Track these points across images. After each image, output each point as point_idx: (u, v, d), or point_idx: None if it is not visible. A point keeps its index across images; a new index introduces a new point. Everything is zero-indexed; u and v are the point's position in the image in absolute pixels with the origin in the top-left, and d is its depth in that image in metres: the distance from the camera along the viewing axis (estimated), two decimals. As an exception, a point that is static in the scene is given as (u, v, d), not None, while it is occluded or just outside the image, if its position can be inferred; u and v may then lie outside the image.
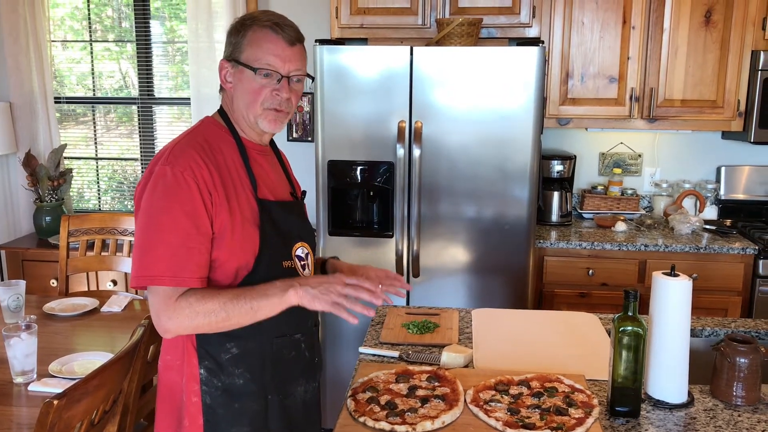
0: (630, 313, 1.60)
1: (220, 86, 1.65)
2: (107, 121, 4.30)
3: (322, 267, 1.89)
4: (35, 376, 2.17)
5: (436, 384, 1.74)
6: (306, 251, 1.71)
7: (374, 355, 1.98)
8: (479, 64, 2.96)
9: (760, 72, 3.32)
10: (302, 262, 1.69)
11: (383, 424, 1.53)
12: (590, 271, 3.27)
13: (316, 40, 3.06)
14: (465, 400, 1.65)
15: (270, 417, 1.63)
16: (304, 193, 1.81)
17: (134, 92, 4.19)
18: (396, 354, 1.97)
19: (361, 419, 1.57)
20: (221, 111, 1.65)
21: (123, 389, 1.91)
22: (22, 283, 2.63)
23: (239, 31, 1.58)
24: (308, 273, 1.71)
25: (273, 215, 1.60)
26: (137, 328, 1.90)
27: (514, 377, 1.77)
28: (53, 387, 2.07)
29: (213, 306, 1.45)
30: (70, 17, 4.19)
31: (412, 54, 2.99)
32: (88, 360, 2.28)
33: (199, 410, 1.58)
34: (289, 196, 1.73)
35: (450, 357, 1.89)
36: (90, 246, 3.25)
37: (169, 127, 4.22)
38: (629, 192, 3.75)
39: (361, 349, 2.00)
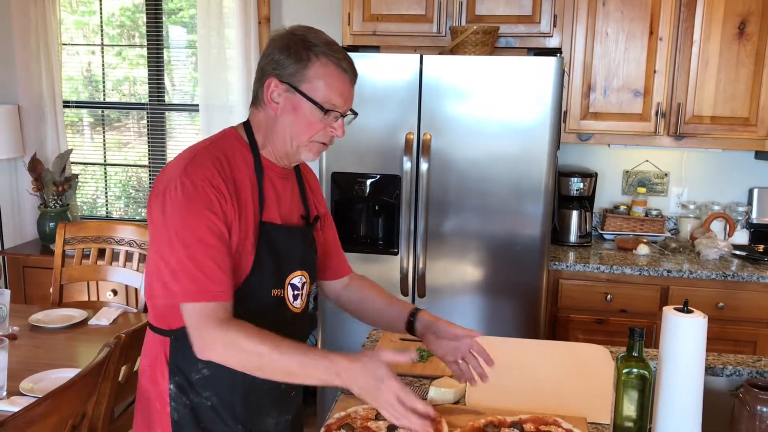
0: (635, 353, 1.43)
1: (254, 100, 1.55)
2: (140, 127, 4.21)
3: (410, 322, 1.73)
4: (4, 393, 2.05)
5: (420, 423, 1.57)
6: (303, 280, 1.63)
7: (358, 385, 1.82)
8: (492, 74, 2.80)
9: (797, 88, 3.11)
10: (296, 292, 1.62)
11: (355, 466, 1.38)
12: (608, 296, 3.08)
13: (323, 47, 2.93)
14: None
15: None
16: (316, 218, 1.71)
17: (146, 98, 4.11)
18: (382, 385, 1.81)
19: (332, 459, 1.41)
20: (247, 125, 1.57)
21: (87, 413, 1.78)
22: (7, 292, 2.53)
23: (300, 56, 1.47)
24: (300, 303, 1.63)
25: (273, 240, 1.54)
26: (103, 348, 1.77)
27: (507, 418, 1.59)
28: (21, 407, 1.94)
29: (254, 349, 1.37)
30: (78, 25, 4.13)
31: (421, 62, 2.84)
32: (61, 377, 2.14)
33: (169, 423, 1.53)
34: (300, 220, 1.64)
35: (438, 392, 1.72)
36: (87, 255, 3.15)
37: (183, 133, 4.12)
38: (654, 213, 3.54)
39: (345, 379, 1.85)
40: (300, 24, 1.54)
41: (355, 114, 1.57)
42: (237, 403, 1.54)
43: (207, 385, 1.52)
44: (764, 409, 1.48)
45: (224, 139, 1.53)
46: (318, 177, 2.98)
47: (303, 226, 1.65)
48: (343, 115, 1.53)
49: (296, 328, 1.65)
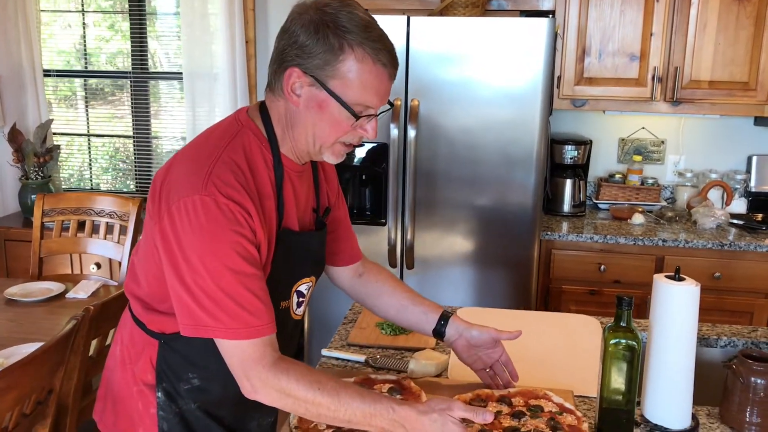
0: (623, 323, 1.35)
1: (271, 85, 1.32)
2: (133, 98, 4.11)
3: (439, 327, 1.56)
4: (-27, 368, 1.98)
5: (399, 397, 1.50)
6: (309, 285, 1.49)
7: (338, 358, 1.75)
8: (482, 37, 2.70)
9: (798, 51, 3.00)
10: (300, 299, 1.47)
11: (325, 446, 1.31)
12: (602, 267, 3.00)
13: (306, 10, 2.83)
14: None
15: None
16: (327, 210, 1.52)
17: (157, 68, 4.00)
18: (362, 358, 1.74)
19: (301, 438, 1.34)
20: (264, 111, 1.34)
21: (54, 388, 1.71)
22: (-19, 265, 2.45)
23: (331, 45, 1.21)
24: (302, 311, 1.49)
25: (290, 248, 1.37)
26: (69, 321, 1.70)
27: (494, 392, 1.52)
28: (-12, 382, 1.88)
29: (312, 398, 1.23)
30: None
31: (408, 25, 2.73)
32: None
33: (154, 424, 1.40)
34: (312, 215, 1.47)
35: (419, 365, 1.65)
36: (67, 228, 3.07)
37: (174, 104, 4.02)
38: (650, 181, 3.45)
39: (324, 352, 1.78)
40: None
41: (391, 105, 1.35)
42: (225, 412, 1.43)
43: (196, 396, 1.39)
44: (758, 381, 1.42)
45: (241, 136, 1.30)
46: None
47: (317, 225, 1.48)
48: (377, 114, 1.30)
49: (294, 335, 1.54)
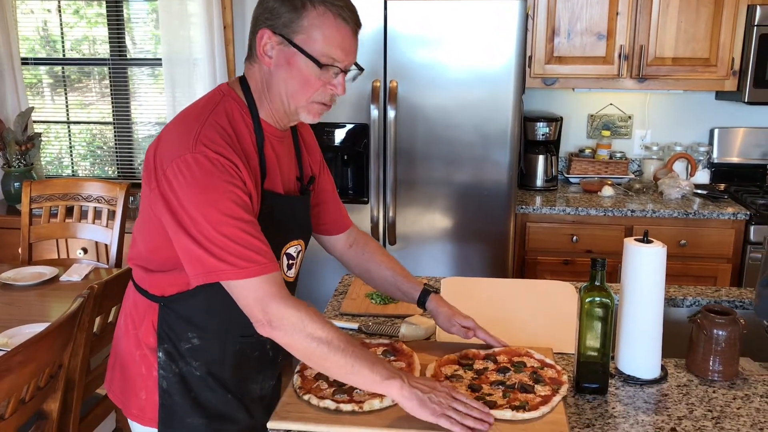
0: (597, 283, 1.48)
1: (249, 53, 1.43)
2: (101, 87, 4.13)
3: (421, 301, 1.71)
4: (-21, 349, 2.06)
5: (392, 358, 1.62)
6: (299, 249, 1.58)
7: (332, 326, 1.86)
8: (457, 18, 2.80)
9: (756, 27, 3.15)
10: (290, 261, 1.56)
11: (328, 403, 1.42)
12: (574, 238, 3.15)
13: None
14: (424, 375, 1.54)
15: (228, 410, 1.54)
16: (311, 179, 1.61)
17: (130, 54, 4.03)
18: (355, 326, 1.85)
19: (306, 397, 1.45)
20: (243, 82, 1.44)
21: (63, 364, 1.80)
22: (-26, 252, 2.51)
23: (295, 4, 1.34)
24: (293, 273, 1.58)
25: (275, 210, 1.45)
26: (76, 299, 1.78)
27: (480, 351, 1.65)
28: (-4, 360, 1.96)
29: (320, 335, 1.31)
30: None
31: (386, 8, 2.82)
32: (36, 332, 2.15)
33: (156, 387, 1.48)
34: (296, 182, 1.56)
35: (410, 329, 1.77)
36: (55, 214, 3.12)
37: (147, 92, 4.06)
38: (618, 155, 3.60)
39: (319, 321, 1.88)
40: None
41: (361, 69, 1.46)
42: (226, 373, 1.51)
43: (197, 355, 1.47)
44: (720, 333, 1.56)
45: (224, 103, 1.40)
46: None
47: (301, 192, 1.57)
48: (345, 71, 1.40)
49: None
